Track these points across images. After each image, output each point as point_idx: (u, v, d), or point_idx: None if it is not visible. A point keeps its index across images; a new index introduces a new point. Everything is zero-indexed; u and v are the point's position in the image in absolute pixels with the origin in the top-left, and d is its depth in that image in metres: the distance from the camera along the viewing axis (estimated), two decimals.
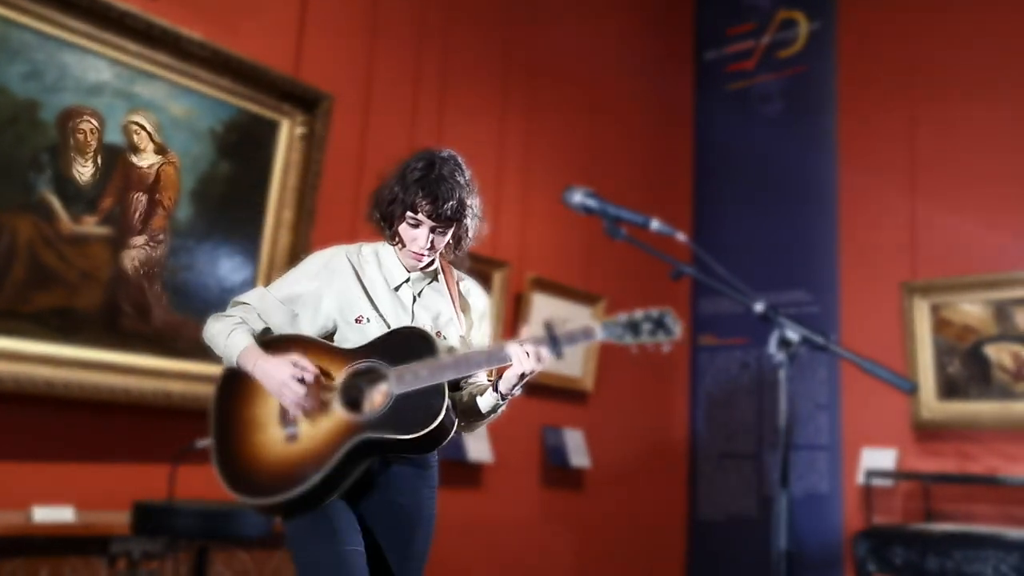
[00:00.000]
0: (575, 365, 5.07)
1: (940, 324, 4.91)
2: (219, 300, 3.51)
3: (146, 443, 3.32)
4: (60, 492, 3.04)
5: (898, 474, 4.83)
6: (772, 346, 1.69)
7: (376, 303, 2.18)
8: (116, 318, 3.24)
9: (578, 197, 1.87)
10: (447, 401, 2.05)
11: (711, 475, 5.66)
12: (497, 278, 4.61)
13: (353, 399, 2.09)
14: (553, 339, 2.02)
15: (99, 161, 3.22)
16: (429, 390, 2.03)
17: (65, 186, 3.12)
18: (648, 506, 5.50)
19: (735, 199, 5.86)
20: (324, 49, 3.99)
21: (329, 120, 3.84)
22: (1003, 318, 4.75)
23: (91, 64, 3.20)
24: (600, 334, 2.01)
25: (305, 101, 3.79)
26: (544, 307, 4.85)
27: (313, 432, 2.07)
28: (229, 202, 3.58)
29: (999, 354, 4.74)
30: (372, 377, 2.09)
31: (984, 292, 4.79)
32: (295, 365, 2.05)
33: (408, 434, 2.04)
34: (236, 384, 2.14)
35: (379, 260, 2.25)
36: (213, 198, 3.53)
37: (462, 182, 2.20)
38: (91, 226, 3.19)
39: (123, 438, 3.28)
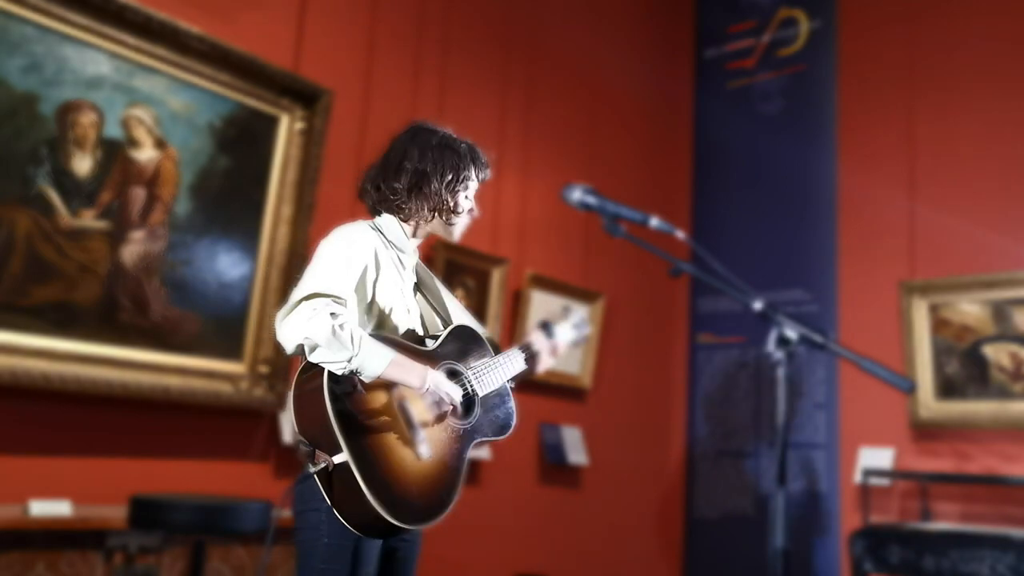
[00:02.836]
0: (573, 363, 5.07)
1: (938, 324, 4.91)
2: (217, 295, 3.52)
3: (143, 437, 3.32)
4: (57, 486, 3.04)
5: (895, 473, 4.83)
6: (770, 344, 1.69)
7: (404, 290, 2.16)
8: (114, 312, 3.23)
9: (577, 194, 1.87)
10: (511, 396, 2.21)
11: (708, 473, 5.66)
12: (496, 275, 4.61)
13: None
14: (550, 334, 2.32)
15: (98, 155, 3.22)
16: (500, 388, 2.17)
17: (64, 180, 3.12)
18: (645, 504, 5.51)
19: (734, 197, 5.85)
20: (324, 44, 3.99)
21: (328, 115, 3.83)
22: (1001, 318, 4.75)
23: (90, 58, 3.20)
24: (585, 329, 2.42)
25: (304, 96, 3.79)
26: (543, 304, 4.84)
27: (436, 445, 2.03)
28: (228, 197, 3.57)
29: (997, 354, 4.75)
30: (456, 382, 2.10)
31: (983, 292, 4.79)
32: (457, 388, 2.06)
33: (502, 434, 2.17)
34: (361, 397, 1.94)
35: (386, 239, 2.17)
36: (212, 193, 3.53)
37: None
38: (90, 220, 3.19)
39: (120, 432, 3.27)
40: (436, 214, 2.19)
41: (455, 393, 2.02)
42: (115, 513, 2.95)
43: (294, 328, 1.88)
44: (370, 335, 1.95)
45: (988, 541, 3.97)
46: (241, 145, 3.62)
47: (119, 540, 2.95)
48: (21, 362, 2.98)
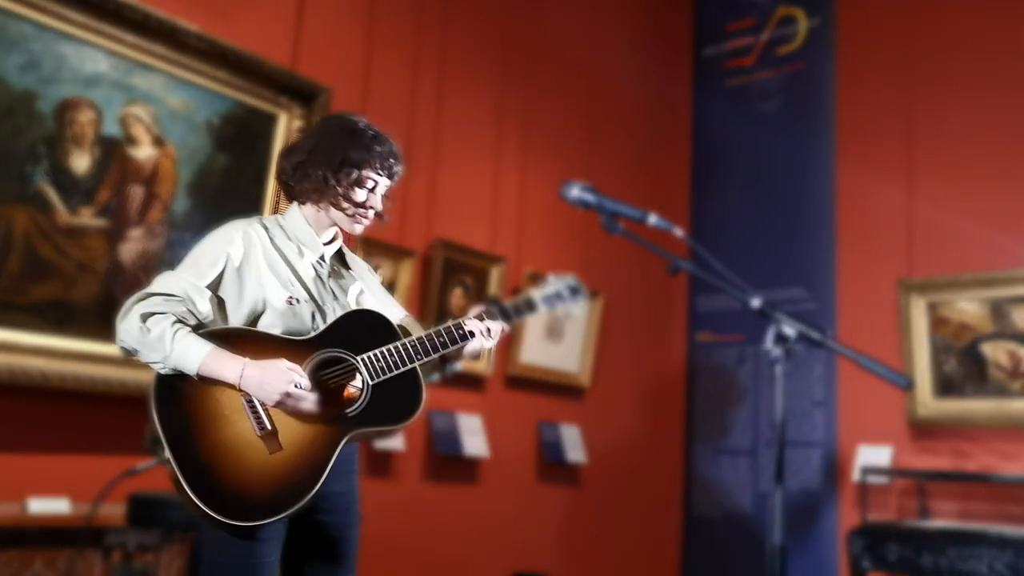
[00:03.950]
0: (572, 361, 5.07)
1: (937, 322, 4.91)
2: None
3: (141, 435, 3.31)
4: (55, 484, 3.03)
5: (893, 471, 4.83)
6: (769, 342, 1.70)
7: (303, 281, 2.07)
8: (113, 310, 3.19)
9: (576, 191, 1.87)
10: (426, 379, 2.06)
11: (707, 471, 5.66)
12: (495, 273, 4.61)
13: (326, 393, 1.99)
14: (505, 314, 2.13)
15: (96, 153, 3.21)
16: (404, 373, 2.01)
17: (62, 178, 3.11)
18: (644, 502, 5.51)
19: (733, 195, 5.85)
20: (322, 42, 3.98)
21: (327, 113, 3.83)
22: (1000, 316, 4.75)
23: (88, 55, 3.19)
24: (540, 307, 2.19)
25: (303, 94, 3.79)
26: None
27: (296, 436, 1.95)
28: (226, 195, 3.57)
29: (995, 352, 4.75)
30: (340, 368, 2.01)
31: (981, 290, 4.80)
32: (290, 369, 1.92)
33: (398, 423, 2.03)
34: (186, 393, 1.92)
35: (287, 232, 2.12)
36: (210, 191, 3.53)
37: None
38: (88, 218, 3.19)
39: (119, 430, 3.27)
40: (328, 201, 2.10)
41: (279, 384, 1.90)
42: (113, 511, 2.95)
43: (118, 330, 1.94)
44: (222, 331, 1.95)
45: (986, 539, 3.97)
46: (239, 143, 3.62)
47: (117, 538, 2.95)
48: (19, 360, 2.98)
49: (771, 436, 5.36)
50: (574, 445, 5.01)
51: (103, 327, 3.20)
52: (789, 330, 1.68)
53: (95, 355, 3.16)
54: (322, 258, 2.14)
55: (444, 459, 4.38)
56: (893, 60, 5.32)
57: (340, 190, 2.09)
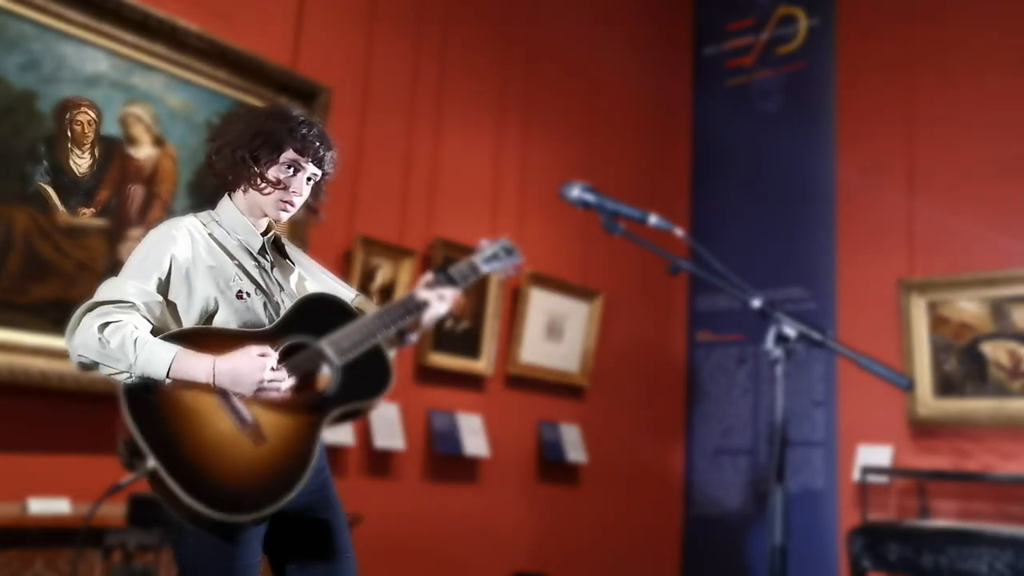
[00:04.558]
0: (572, 360, 5.07)
1: (937, 321, 4.91)
2: None
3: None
4: (56, 484, 3.03)
5: (894, 471, 4.83)
6: (769, 342, 1.70)
7: (249, 273, 2.04)
8: None
9: (576, 192, 1.87)
10: (388, 353, 2.09)
11: (707, 470, 5.67)
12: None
13: (297, 382, 1.97)
14: (451, 280, 2.18)
15: (96, 152, 3.21)
16: (369, 350, 2.03)
17: (62, 177, 3.11)
18: (644, 501, 5.51)
19: (733, 195, 5.86)
20: (322, 41, 3.98)
21: (327, 113, 3.83)
22: (1000, 316, 4.75)
23: (88, 55, 3.19)
24: (483, 268, 2.25)
25: (303, 93, 3.78)
26: (542, 302, 4.85)
27: (276, 424, 1.94)
28: None
29: (996, 352, 4.75)
30: (305, 355, 2.00)
31: (981, 290, 4.80)
32: (261, 356, 1.88)
33: (375, 397, 2.06)
34: (159, 398, 1.87)
35: (223, 225, 2.08)
36: (210, 190, 3.51)
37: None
38: (88, 218, 3.19)
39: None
40: (246, 183, 2.05)
41: (253, 373, 1.86)
42: (114, 511, 2.95)
43: (71, 347, 1.87)
44: (177, 333, 1.91)
45: (986, 538, 3.97)
46: None
47: (118, 538, 2.95)
48: (20, 360, 2.98)
49: (771, 435, 5.36)
50: (574, 445, 5.01)
51: None
52: (789, 330, 1.68)
53: None
54: (263, 248, 2.11)
55: (444, 459, 4.38)
56: (893, 59, 5.32)
57: (257, 169, 2.04)
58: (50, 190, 3.08)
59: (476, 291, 4.53)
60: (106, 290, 1.93)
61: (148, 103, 3.35)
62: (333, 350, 1.99)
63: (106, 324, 1.85)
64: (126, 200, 3.29)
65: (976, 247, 4.84)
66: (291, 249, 2.23)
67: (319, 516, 2.09)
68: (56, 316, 3.08)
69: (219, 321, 1.98)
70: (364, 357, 2.02)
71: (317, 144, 2.07)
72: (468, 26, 4.69)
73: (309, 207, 2.17)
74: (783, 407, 1.69)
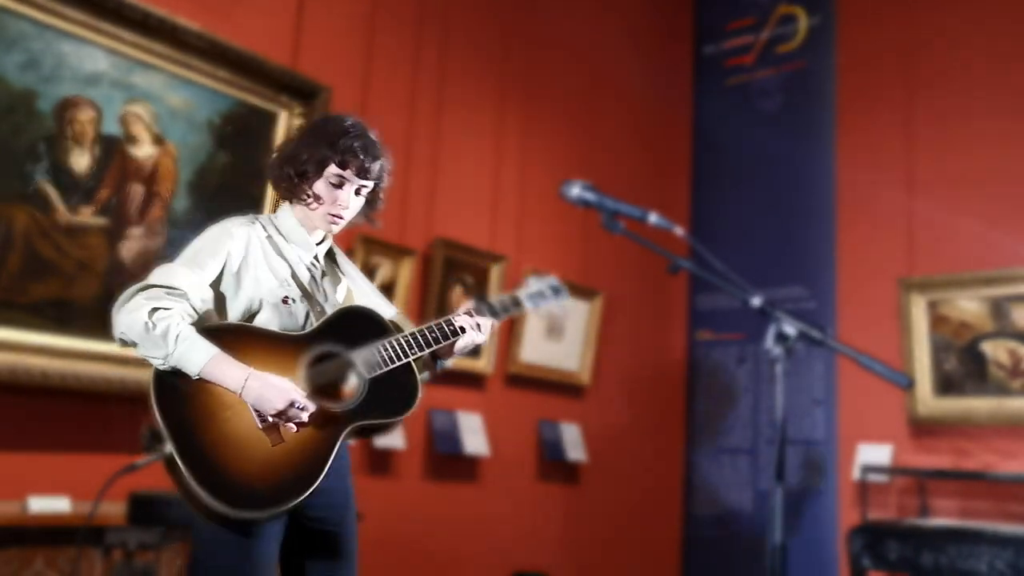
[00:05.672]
0: (572, 359, 5.07)
1: (937, 320, 4.91)
2: None
3: (139, 431, 3.31)
4: (56, 482, 3.04)
5: (894, 470, 4.83)
6: (769, 341, 1.69)
7: (299, 280, 2.10)
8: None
9: (576, 190, 1.87)
10: (418, 376, 2.10)
11: (707, 469, 5.67)
12: (494, 272, 4.61)
13: (323, 389, 2.01)
14: (493, 311, 2.19)
15: (96, 151, 3.21)
16: (399, 367, 2.06)
17: (62, 176, 3.11)
18: (644, 500, 5.51)
19: (733, 194, 5.86)
20: (322, 40, 3.98)
21: (327, 112, 3.83)
22: (1000, 315, 4.75)
23: (88, 54, 3.19)
24: (526, 304, 2.27)
25: (303, 92, 3.78)
26: None
27: (292, 430, 1.97)
28: (226, 193, 3.57)
29: (995, 351, 4.75)
30: (335, 364, 2.04)
31: (981, 289, 4.80)
32: (291, 391, 1.92)
33: (396, 416, 2.07)
34: (188, 387, 1.91)
35: (281, 232, 2.14)
36: (210, 189, 3.53)
37: (380, 143, 2.19)
38: (88, 217, 3.19)
39: (119, 428, 3.27)
40: (297, 198, 2.12)
41: (276, 402, 1.90)
42: (114, 510, 2.95)
43: (117, 321, 1.91)
44: (218, 326, 1.95)
45: (986, 537, 3.97)
46: (240, 141, 3.62)
47: (118, 536, 2.95)
48: (20, 359, 2.98)
49: (771, 434, 5.36)
50: (574, 444, 5.01)
51: (103, 326, 3.18)
52: (789, 329, 1.68)
53: (95, 354, 3.16)
54: (316, 257, 2.16)
55: (444, 458, 4.38)
56: (893, 58, 5.32)
57: (304, 185, 2.09)
58: (50, 189, 3.08)
59: (476, 290, 4.53)
60: (159, 274, 1.97)
61: (148, 102, 3.35)
62: (363, 364, 2.03)
63: (156, 309, 1.89)
64: (126, 199, 3.29)
65: (976, 246, 4.84)
66: (342, 260, 2.28)
67: (334, 519, 2.11)
68: (56, 315, 3.08)
69: (260, 321, 2.02)
70: (393, 375, 2.05)
71: (362, 157, 2.10)
72: (468, 27, 4.69)
73: (366, 216, 2.22)
74: (783, 406, 1.69)
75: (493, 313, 2.19)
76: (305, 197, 2.10)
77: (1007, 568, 3.87)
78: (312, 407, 1.95)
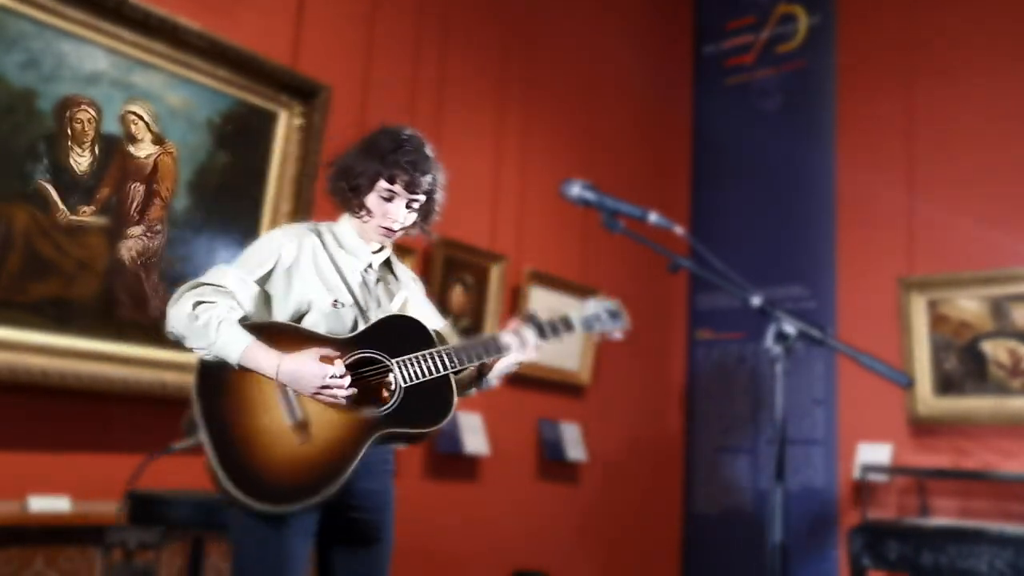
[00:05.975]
0: (572, 358, 5.07)
1: (937, 320, 4.91)
2: None
3: (142, 433, 3.31)
4: (56, 482, 3.04)
5: (894, 469, 4.83)
6: (769, 340, 1.70)
7: (350, 286, 2.15)
8: (112, 308, 3.23)
9: (576, 190, 1.87)
10: (464, 391, 2.15)
11: (707, 469, 5.67)
12: (494, 272, 4.61)
13: (361, 393, 2.05)
14: (541, 330, 2.21)
15: (96, 151, 3.21)
16: (437, 380, 2.07)
17: (62, 176, 3.11)
18: (644, 499, 5.51)
19: (733, 193, 5.86)
20: (322, 40, 3.98)
21: (327, 111, 3.83)
22: (1000, 314, 4.75)
23: (88, 53, 3.19)
24: (578, 328, 2.28)
25: (303, 92, 3.78)
26: (542, 300, 4.84)
27: (326, 429, 2.01)
28: (226, 193, 3.57)
29: (995, 350, 4.75)
30: (374, 369, 2.07)
31: (981, 288, 4.80)
32: (324, 359, 1.99)
33: (427, 427, 2.08)
34: (226, 380, 2.01)
35: (338, 239, 2.21)
36: (210, 189, 3.53)
37: (433, 157, 2.23)
38: (88, 216, 3.18)
39: (119, 428, 3.27)
40: (349, 211, 2.20)
41: (312, 378, 1.96)
42: (114, 509, 2.95)
43: (168, 317, 2.03)
44: (260, 324, 2.04)
45: (986, 537, 3.97)
46: (240, 141, 3.62)
47: (118, 536, 2.95)
48: (20, 358, 2.98)
49: (771, 434, 5.36)
50: (574, 443, 5.01)
51: (103, 325, 3.20)
52: (789, 328, 1.68)
53: (95, 353, 3.16)
54: (370, 266, 2.21)
55: (444, 457, 4.38)
56: (893, 57, 5.32)
57: (355, 199, 2.16)
58: (50, 188, 3.08)
59: (476, 290, 4.53)
60: (211, 274, 2.09)
61: (148, 101, 3.34)
62: (401, 371, 2.06)
63: (200, 302, 2.00)
64: (126, 199, 3.29)
65: (976, 246, 4.84)
66: (400, 270, 2.33)
67: (371, 521, 2.15)
68: (56, 314, 3.08)
69: (308, 323, 2.10)
70: (430, 387, 2.07)
71: (411, 172, 2.15)
72: (468, 26, 4.69)
73: (421, 228, 2.27)
74: (783, 405, 1.69)
75: (540, 333, 2.23)
76: (357, 209, 2.17)
77: (1007, 568, 3.87)
78: (348, 386, 1.99)
